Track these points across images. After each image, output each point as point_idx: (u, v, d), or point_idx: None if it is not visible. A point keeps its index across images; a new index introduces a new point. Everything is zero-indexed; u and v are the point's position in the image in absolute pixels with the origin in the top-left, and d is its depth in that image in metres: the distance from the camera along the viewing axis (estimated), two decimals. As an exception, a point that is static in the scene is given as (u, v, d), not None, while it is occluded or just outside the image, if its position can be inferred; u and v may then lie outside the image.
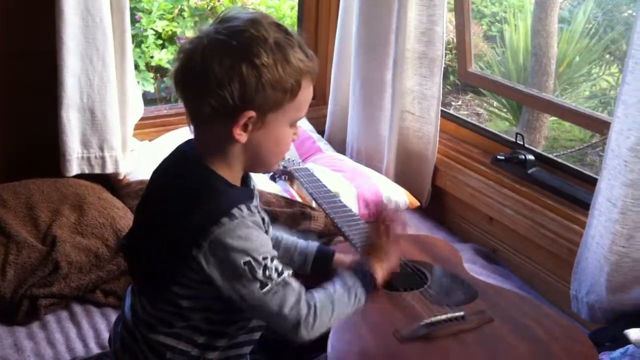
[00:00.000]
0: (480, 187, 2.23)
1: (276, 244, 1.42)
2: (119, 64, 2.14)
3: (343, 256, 1.48)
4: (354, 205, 2.16)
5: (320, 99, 2.78)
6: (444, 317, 1.39)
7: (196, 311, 1.21)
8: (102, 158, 2.18)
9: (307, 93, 1.19)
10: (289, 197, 2.18)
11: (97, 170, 2.19)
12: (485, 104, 5.05)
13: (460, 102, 5.09)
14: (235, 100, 1.11)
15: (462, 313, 1.41)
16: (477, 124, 2.57)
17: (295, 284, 1.18)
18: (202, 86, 1.12)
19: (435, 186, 2.41)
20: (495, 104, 4.91)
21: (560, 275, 1.95)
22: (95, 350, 1.65)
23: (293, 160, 2.27)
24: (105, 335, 1.68)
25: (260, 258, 1.13)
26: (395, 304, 1.45)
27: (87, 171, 2.18)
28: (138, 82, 4.08)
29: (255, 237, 1.15)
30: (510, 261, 2.16)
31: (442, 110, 2.38)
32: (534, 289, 2.03)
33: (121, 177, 2.25)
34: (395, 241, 1.32)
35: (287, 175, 2.24)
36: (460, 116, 2.57)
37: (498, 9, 5.23)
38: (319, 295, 1.20)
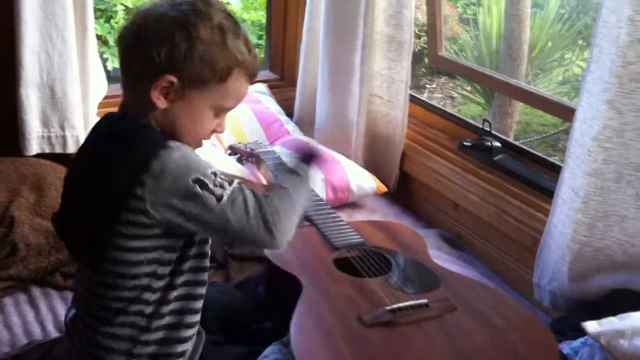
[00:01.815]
0: (446, 172, 2.23)
1: None
2: (79, 41, 2.08)
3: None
4: (321, 190, 2.14)
5: (289, 80, 2.75)
6: (407, 304, 1.39)
7: (143, 265, 1.18)
8: (63, 137, 2.13)
9: (238, 85, 1.22)
10: (255, 180, 2.15)
11: (58, 150, 2.14)
12: (459, 88, 5.06)
13: (434, 85, 5.09)
14: (161, 60, 1.15)
15: (425, 301, 1.41)
16: (450, 107, 2.58)
17: (248, 188, 1.20)
18: (136, 42, 1.18)
19: (402, 171, 2.41)
20: (469, 88, 4.92)
21: (524, 262, 1.96)
22: (53, 334, 1.61)
23: (260, 143, 2.24)
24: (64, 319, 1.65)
25: (207, 172, 1.15)
26: (358, 290, 1.45)
27: (47, 150, 2.13)
28: (108, 59, 4.03)
29: (195, 157, 1.17)
30: (474, 247, 2.17)
31: (410, 95, 2.37)
32: (498, 275, 2.04)
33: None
34: None
35: (254, 158, 2.21)
36: (434, 99, 2.57)
37: (474, -9, 5.23)
38: (269, 194, 1.22)
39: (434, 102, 3.20)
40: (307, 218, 1.77)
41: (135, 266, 1.18)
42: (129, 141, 1.18)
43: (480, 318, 1.40)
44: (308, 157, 1.35)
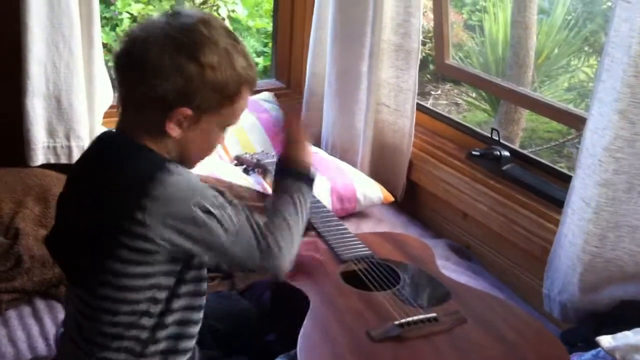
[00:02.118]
0: (454, 182, 2.21)
1: None
2: (86, 51, 2.07)
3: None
4: (326, 200, 2.13)
5: (296, 89, 2.73)
6: (416, 318, 1.37)
7: (141, 291, 1.15)
8: (69, 148, 2.12)
9: (244, 102, 1.22)
10: (261, 190, 2.14)
11: (64, 160, 2.13)
12: (464, 95, 5.04)
13: (439, 92, 5.06)
14: (175, 95, 1.13)
15: (434, 314, 1.39)
16: (456, 114, 2.56)
17: (249, 211, 1.19)
18: (144, 74, 1.13)
19: (409, 180, 2.39)
20: (474, 94, 4.89)
21: (533, 273, 1.94)
22: (57, 348, 1.60)
23: (267, 153, 2.23)
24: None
25: (208, 194, 1.14)
26: (366, 304, 1.43)
27: (52, 161, 2.12)
28: (112, 67, 4.03)
29: (195, 180, 1.16)
30: (483, 257, 2.14)
31: (418, 104, 2.35)
32: (507, 286, 2.02)
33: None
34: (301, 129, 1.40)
35: (261, 169, 2.20)
36: (439, 106, 2.56)
37: (479, -3, 5.22)
38: (268, 212, 1.23)
39: (439, 109, 3.19)
40: (313, 229, 1.76)
41: (134, 291, 1.15)
42: (128, 164, 1.15)
43: (491, 330, 1.38)
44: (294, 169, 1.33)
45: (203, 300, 1.25)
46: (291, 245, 1.22)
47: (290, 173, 1.32)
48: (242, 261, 1.18)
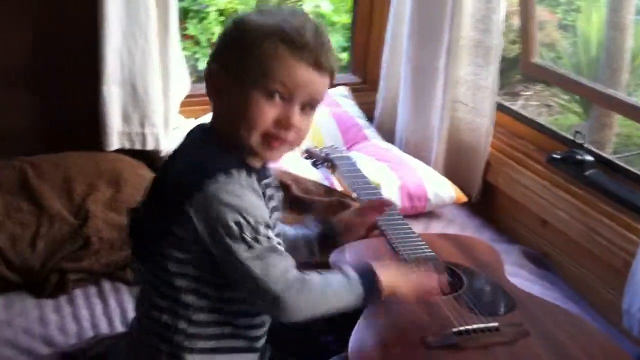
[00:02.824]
0: (533, 186, 2.10)
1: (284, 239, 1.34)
2: (162, 40, 2.10)
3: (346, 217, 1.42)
4: (396, 198, 2.07)
5: (372, 84, 2.68)
6: (476, 326, 1.30)
7: (185, 279, 1.15)
8: (143, 134, 2.16)
9: (279, 58, 1.10)
10: (328, 185, 2.11)
11: (138, 146, 2.17)
12: (556, 97, 4.83)
13: (530, 93, 4.89)
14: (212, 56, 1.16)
15: (496, 324, 1.31)
16: (546, 116, 2.44)
17: (286, 254, 1.12)
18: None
19: (486, 182, 2.29)
20: (566, 96, 4.69)
21: (613, 286, 1.82)
22: (119, 328, 1.61)
23: (336, 148, 2.18)
24: (132, 315, 1.65)
25: (251, 220, 1.09)
26: (425, 308, 1.36)
27: (127, 146, 2.16)
28: (199, 59, 4.10)
29: (249, 199, 1.11)
30: (560, 267, 2.03)
31: (498, 103, 2.25)
32: (584, 298, 1.90)
33: (162, 154, 2.22)
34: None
35: (329, 163, 2.16)
36: (529, 107, 2.45)
37: (575, -3, 4.99)
38: (314, 275, 1.13)
39: (530, 110, 3.05)
40: (376, 227, 1.71)
41: (179, 278, 1.15)
42: (195, 156, 1.16)
43: (555, 347, 1.28)
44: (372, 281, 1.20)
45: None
46: (307, 312, 1.13)
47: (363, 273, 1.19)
48: (253, 294, 1.12)
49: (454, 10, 2.17)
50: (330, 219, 1.44)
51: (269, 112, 1.12)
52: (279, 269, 1.10)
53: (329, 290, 1.14)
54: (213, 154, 1.14)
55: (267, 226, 1.12)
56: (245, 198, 1.10)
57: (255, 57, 1.11)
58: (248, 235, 1.08)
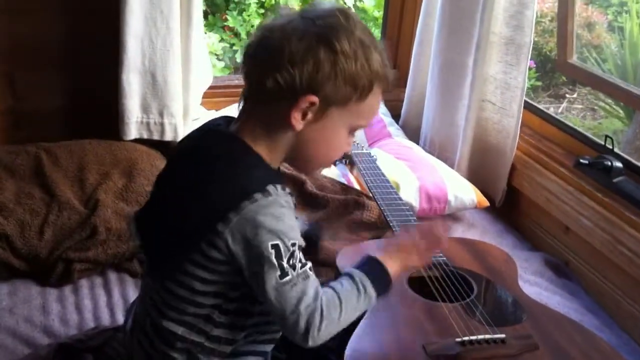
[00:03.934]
0: (558, 191, 2.01)
1: None
2: (184, 30, 2.07)
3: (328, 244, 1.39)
4: (414, 198, 2.01)
5: (400, 80, 2.60)
6: (480, 337, 1.24)
7: (208, 296, 1.12)
8: (162, 125, 2.13)
9: (375, 101, 1.14)
10: (345, 182, 2.06)
11: (156, 137, 2.15)
12: (601, 102, 4.67)
13: (575, 95, 4.74)
14: (303, 82, 1.07)
15: (502, 335, 1.25)
16: (590, 120, 2.33)
17: (313, 279, 1.09)
18: (274, 60, 1.08)
19: (510, 186, 2.21)
20: (611, 100, 4.52)
21: (636, 299, 1.73)
22: (121, 321, 1.58)
23: (357, 144, 2.14)
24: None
25: (289, 243, 1.06)
26: (429, 314, 1.31)
27: (145, 136, 2.14)
28: (237, 51, 4.06)
29: (288, 219, 1.07)
30: (582, 277, 1.94)
31: (526, 102, 2.16)
32: (605, 310, 1.81)
33: (181, 145, 2.20)
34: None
35: (348, 159, 2.11)
36: (573, 110, 2.35)
37: (628, -3, 4.80)
38: (325, 293, 1.09)
39: (573, 114, 2.93)
40: (389, 228, 1.65)
41: (201, 295, 1.12)
42: (226, 169, 1.10)
43: (565, 363, 1.22)
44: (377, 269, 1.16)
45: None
46: (332, 332, 1.10)
47: (374, 267, 1.16)
48: (282, 319, 1.08)
49: (485, 5, 2.09)
50: (321, 225, 1.41)
51: (344, 146, 1.16)
52: (311, 296, 1.06)
53: (344, 303, 1.10)
54: (247, 166, 1.09)
55: (301, 247, 1.09)
56: (285, 219, 1.07)
57: (365, 100, 1.11)
58: (284, 260, 1.05)
